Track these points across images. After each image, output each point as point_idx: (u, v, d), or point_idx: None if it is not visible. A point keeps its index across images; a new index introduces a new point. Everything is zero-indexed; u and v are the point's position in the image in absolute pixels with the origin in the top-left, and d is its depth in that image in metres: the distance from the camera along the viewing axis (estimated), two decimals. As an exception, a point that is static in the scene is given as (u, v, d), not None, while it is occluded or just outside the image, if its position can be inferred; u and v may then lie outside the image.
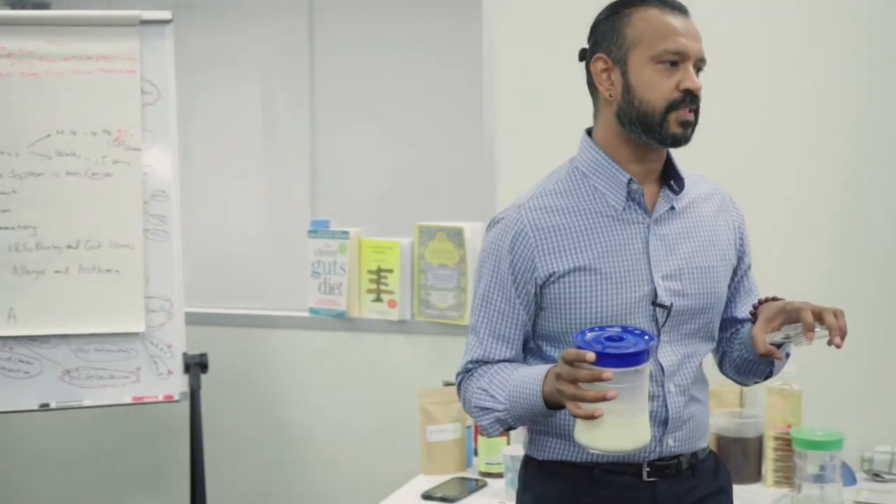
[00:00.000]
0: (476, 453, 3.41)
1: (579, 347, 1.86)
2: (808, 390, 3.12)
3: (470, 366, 2.18)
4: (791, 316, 2.03)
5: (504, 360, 2.15)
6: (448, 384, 3.54)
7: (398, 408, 3.83)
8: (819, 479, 2.93)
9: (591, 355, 1.83)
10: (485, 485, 3.25)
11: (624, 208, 2.12)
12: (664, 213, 2.15)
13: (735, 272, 2.28)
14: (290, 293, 4.14)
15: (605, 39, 2.11)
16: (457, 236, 3.74)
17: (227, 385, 4.05)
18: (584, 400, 1.84)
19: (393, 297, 3.87)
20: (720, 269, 2.20)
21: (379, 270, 3.90)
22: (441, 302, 3.80)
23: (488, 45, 3.73)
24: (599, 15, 2.16)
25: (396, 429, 3.85)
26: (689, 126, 2.08)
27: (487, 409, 2.11)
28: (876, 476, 3.27)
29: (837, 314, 2.00)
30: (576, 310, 2.09)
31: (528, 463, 2.25)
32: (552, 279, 2.09)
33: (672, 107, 2.05)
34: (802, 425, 3.12)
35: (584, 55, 2.21)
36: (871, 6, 3.29)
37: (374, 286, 3.91)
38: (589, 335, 1.89)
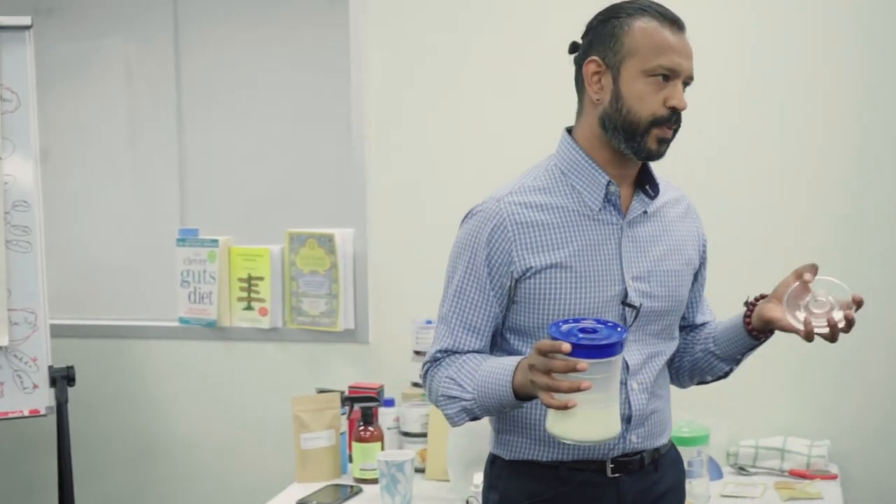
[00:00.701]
0: (351, 460, 3.40)
1: (554, 338, 1.88)
2: (674, 388, 3.18)
3: (438, 355, 2.18)
4: (796, 291, 2.11)
5: (473, 351, 2.16)
6: (322, 391, 3.53)
7: (271, 416, 3.80)
8: (687, 474, 2.98)
9: (566, 346, 1.85)
10: (360, 491, 3.24)
11: (600, 209, 2.15)
12: (637, 216, 2.19)
13: (696, 278, 2.34)
14: (159, 303, 4.08)
15: (601, 43, 2.13)
16: (328, 242, 3.73)
17: (96, 398, 3.98)
18: (558, 390, 1.86)
19: (264, 305, 3.84)
20: (684, 274, 2.25)
21: (249, 278, 3.87)
22: (313, 309, 3.79)
23: (356, 49, 3.73)
24: (598, 15, 2.17)
25: (270, 437, 3.82)
26: (665, 143, 2.12)
27: (454, 398, 2.12)
28: (741, 469, 3.35)
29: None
30: (549, 305, 2.12)
31: (494, 462, 2.26)
32: (528, 274, 2.12)
33: (656, 122, 2.09)
34: (670, 422, 3.18)
35: (574, 48, 2.21)
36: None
37: (244, 294, 3.88)
38: (564, 326, 1.92)
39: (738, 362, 2.31)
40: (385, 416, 3.46)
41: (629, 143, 2.11)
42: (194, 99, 4.10)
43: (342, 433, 3.43)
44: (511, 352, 2.18)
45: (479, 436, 2.48)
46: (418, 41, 3.69)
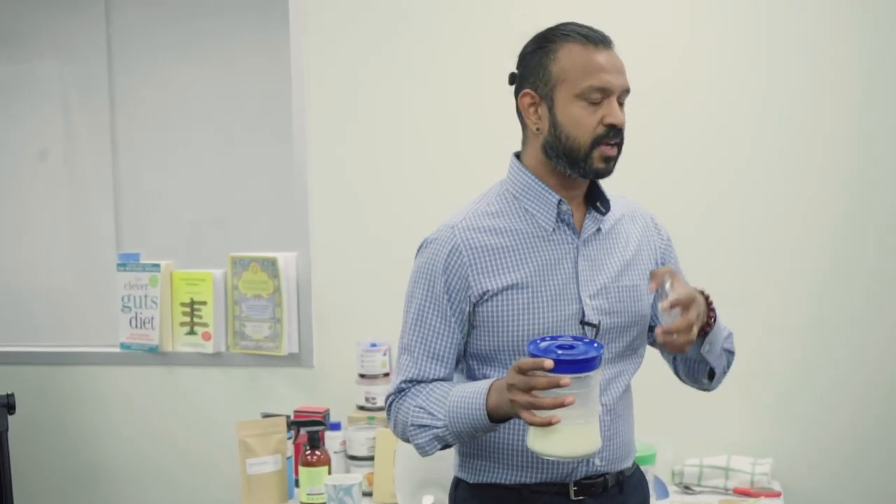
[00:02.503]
0: (297, 485, 3.38)
1: (533, 356, 1.90)
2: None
3: (403, 385, 2.18)
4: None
5: (438, 380, 2.16)
6: (267, 415, 3.51)
7: (216, 442, 3.77)
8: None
9: (549, 362, 1.87)
10: (307, 515, 3.23)
11: (554, 229, 2.17)
12: (591, 234, 2.20)
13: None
14: (99, 328, 4.04)
15: (531, 74, 2.15)
16: (271, 266, 3.72)
17: (37, 425, 3.93)
18: (541, 407, 1.88)
19: (207, 330, 3.82)
20: (643, 288, 2.25)
21: (192, 303, 3.84)
22: (256, 333, 3.77)
23: (296, 70, 3.72)
24: (526, 47, 2.19)
25: (215, 463, 3.79)
26: (611, 160, 2.14)
27: (426, 426, 2.11)
28: (686, 488, 3.38)
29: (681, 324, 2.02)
30: (507, 328, 2.13)
31: (458, 485, 2.27)
32: (485, 297, 2.13)
33: (597, 142, 2.11)
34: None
35: (512, 79, 2.23)
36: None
37: (187, 319, 3.85)
38: (542, 344, 1.94)
39: (708, 364, 2.25)
40: (332, 439, 3.44)
41: (574, 167, 2.13)
42: (129, 121, 4.06)
43: (288, 458, 3.41)
44: (474, 378, 2.19)
45: (428, 458, 2.47)
46: (359, 61, 3.69)
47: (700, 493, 3.36)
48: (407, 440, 2.18)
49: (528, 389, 1.89)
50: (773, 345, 3.45)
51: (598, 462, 2.18)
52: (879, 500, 3.44)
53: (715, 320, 2.16)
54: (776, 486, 3.35)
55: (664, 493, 3.28)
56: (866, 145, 3.39)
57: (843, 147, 3.41)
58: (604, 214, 2.22)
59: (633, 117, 3.37)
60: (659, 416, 3.03)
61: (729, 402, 3.48)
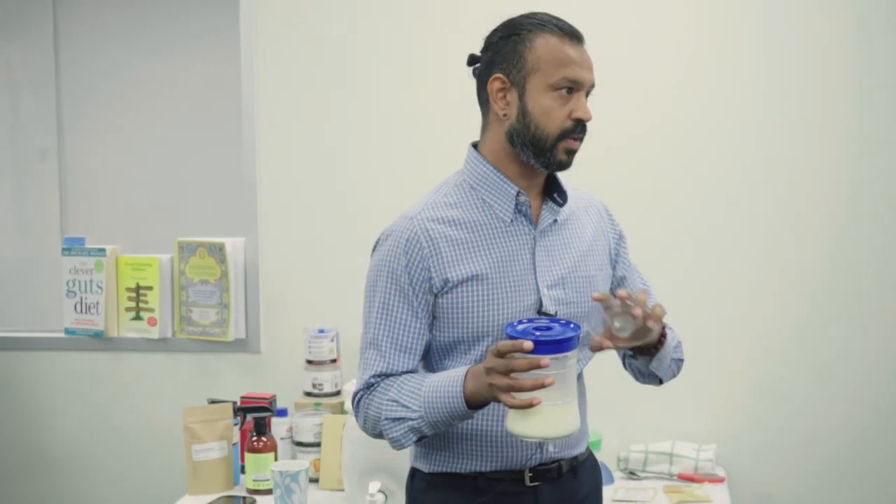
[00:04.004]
0: (243, 471, 3.37)
1: (512, 338, 1.90)
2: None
3: (372, 380, 2.16)
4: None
5: (406, 373, 2.15)
6: (213, 401, 3.49)
7: (162, 427, 3.75)
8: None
9: (528, 344, 1.87)
10: (254, 502, 3.21)
11: (511, 220, 2.17)
12: (548, 224, 2.21)
13: (612, 282, 2.35)
14: (43, 313, 3.99)
15: (503, 60, 2.14)
16: (218, 252, 3.69)
17: (-20, 411, 3.89)
18: (521, 389, 1.88)
19: (153, 315, 3.79)
20: (598, 279, 2.27)
21: (138, 288, 3.81)
22: (203, 319, 3.74)
23: (245, 53, 3.70)
24: (497, 31, 2.18)
25: (161, 449, 3.77)
26: (573, 153, 2.15)
27: (400, 419, 2.09)
28: (632, 474, 3.41)
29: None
30: (467, 320, 2.13)
31: (415, 475, 2.27)
32: (447, 288, 2.12)
33: (563, 135, 2.12)
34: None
35: (473, 60, 2.23)
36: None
37: (133, 304, 3.82)
38: (520, 326, 1.94)
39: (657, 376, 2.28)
40: (278, 426, 3.43)
41: (538, 157, 2.14)
42: (75, 105, 4.01)
43: (234, 444, 3.39)
44: (433, 371, 2.18)
45: (374, 445, 2.47)
46: (308, 45, 3.67)
47: (645, 478, 3.39)
48: (379, 436, 2.16)
49: (507, 372, 1.90)
50: (717, 333, 3.49)
51: (551, 448, 2.19)
52: (822, 485, 3.49)
53: (666, 338, 2.19)
54: (720, 472, 3.38)
55: (609, 479, 3.30)
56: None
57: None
58: (561, 206, 2.23)
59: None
60: (605, 403, 3.05)
61: (674, 389, 3.47)
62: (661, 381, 2.32)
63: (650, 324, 2.02)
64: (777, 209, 3.46)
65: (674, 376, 2.33)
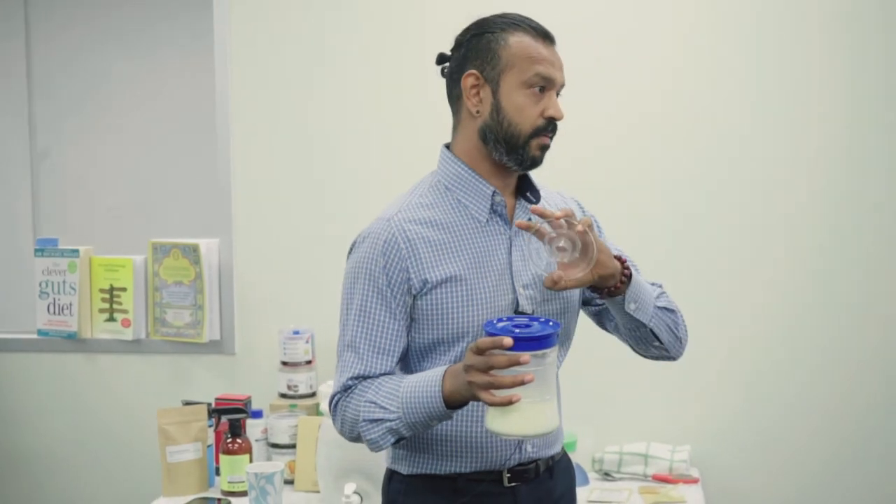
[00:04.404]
0: (218, 473, 3.36)
1: (491, 335, 1.90)
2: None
3: (350, 382, 2.15)
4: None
5: (384, 374, 2.14)
6: (188, 403, 3.48)
7: (136, 429, 3.73)
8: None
9: (508, 340, 1.87)
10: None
11: (487, 220, 2.18)
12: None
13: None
14: (16, 315, 3.97)
15: (477, 56, 2.15)
16: (192, 253, 3.68)
17: (-49, 414, 3.87)
18: (500, 386, 1.88)
19: (127, 317, 3.77)
20: None
21: (112, 289, 3.79)
22: (177, 320, 3.73)
23: (220, 53, 3.68)
24: (469, 30, 2.19)
25: (135, 451, 3.76)
26: (545, 150, 2.17)
27: (378, 420, 2.08)
28: (606, 475, 3.42)
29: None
30: (446, 321, 2.13)
31: (392, 477, 2.26)
32: (426, 289, 2.12)
33: (536, 133, 2.13)
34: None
35: (442, 59, 2.24)
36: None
37: (106, 305, 3.80)
38: (499, 324, 1.95)
39: (646, 326, 2.22)
40: (253, 427, 3.43)
41: (511, 154, 2.15)
42: (48, 104, 3.99)
43: (209, 446, 3.38)
44: (411, 372, 2.18)
45: (350, 446, 2.46)
46: (282, 47, 3.67)
47: (620, 479, 3.40)
48: (357, 438, 2.15)
49: (486, 369, 1.90)
50: (690, 334, 3.48)
51: (529, 448, 2.20)
52: (795, 486, 3.50)
53: (631, 277, 2.15)
54: (694, 473, 3.39)
55: (584, 480, 3.31)
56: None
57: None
58: (534, 204, 2.23)
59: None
60: (580, 404, 3.06)
61: (648, 391, 3.52)
62: (660, 342, 2.25)
63: (580, 228, 2.01)
64: (764, 208, 3.47)
65: (674, 333, 2.27)
